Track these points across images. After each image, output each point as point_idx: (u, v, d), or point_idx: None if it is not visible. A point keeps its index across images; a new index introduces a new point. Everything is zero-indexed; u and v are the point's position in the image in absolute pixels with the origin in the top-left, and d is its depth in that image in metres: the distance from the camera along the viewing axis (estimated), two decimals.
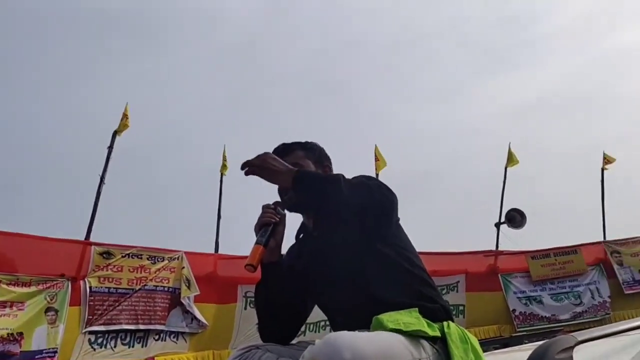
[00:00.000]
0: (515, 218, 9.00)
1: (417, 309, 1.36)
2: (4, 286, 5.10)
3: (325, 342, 1.09)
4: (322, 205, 1.52)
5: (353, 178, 1.57)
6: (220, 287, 6.92)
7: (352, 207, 1.46)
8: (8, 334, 4.98)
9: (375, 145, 8.67)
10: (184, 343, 6.42)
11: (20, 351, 5.01)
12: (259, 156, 1.53)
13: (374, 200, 1.49)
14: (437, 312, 1.42)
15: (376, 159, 8.44)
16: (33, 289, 5.30)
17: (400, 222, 1.64)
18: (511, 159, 9.57)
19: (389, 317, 1.28)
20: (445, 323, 1.37)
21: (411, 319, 1.31)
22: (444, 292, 8.15)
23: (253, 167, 1.52)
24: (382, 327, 1.26)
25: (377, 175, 8.35)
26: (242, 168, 1.53)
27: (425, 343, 1.27)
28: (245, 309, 6.95)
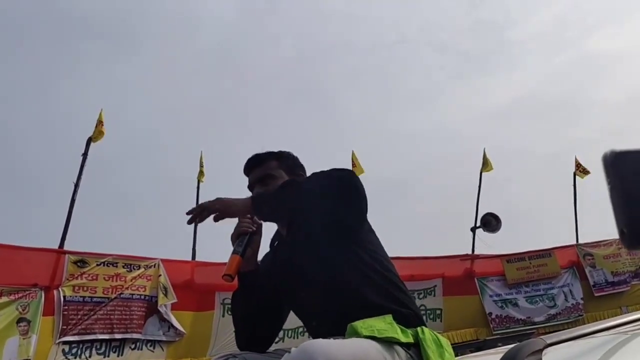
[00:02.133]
0: (491, 222, 9.12)
1: (390, 315, 1.38)
2: None
3: (300, 350, 1.11)
4: (287, 211, 1.56)
5: (312, 174, 1.62)
6: (198, 294, 6.86)
7: (316, 198, 1.49)
8: None
9: (352, 151, 8.72)
10: (161, 351, 6.33)
11: None
12: (215, 202, 1.56)
13: (335, 183, 1.51)
14: (411, 317, 1.44)
15: (353, 165, 8.47)
16: (4, 299, 5.19)
17: (376, 227, 1.66)
18: (486, 164, 9.72)
19: (362, 324, 1.30)
20: (419, 329, 1.40)
21: (385, 325, 1.33)
22: (421, 296, 8.22)
23: (216, 212, 1.55)
24: (356, 334, 1.28)
25: None
26: (196, 216, 1.58)
27: (399, 349, 1.30)
28: (223, 316, 6.89)
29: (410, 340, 1.34)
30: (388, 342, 1.29)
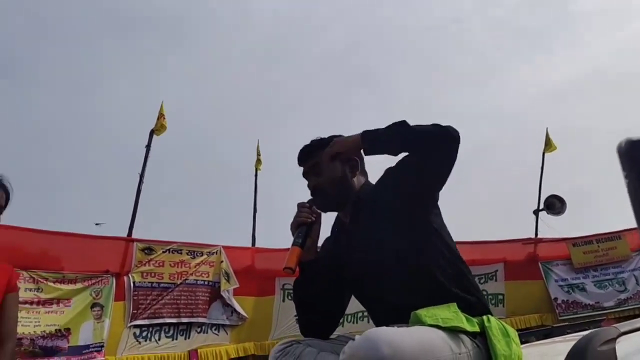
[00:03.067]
0: (555, 204, 8.78)
1: (455, 303, 1.36)
2: (51, 284, 5.29)
3: (364, 337, 1.11)
4: (398, 145, 1.55)
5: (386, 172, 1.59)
6: (258, 280, 7.02)
7: (424, 138, 1.48)
8: (56, 329, 5.17)
9: None
10: (225, 335, 6.55)
11: (69, 346, 5.20)
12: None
13: (443, 131, 1.47)
14: (476, 305, 1.41)
15: None
16: (79, 285, 5.49)
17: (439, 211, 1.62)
18: (549, 144, 9.32)
19: (426, 312, 1.29)
20: (485, 317, 1.36)
21: (449, 313, 1.31)
22: (482, 281, 8.05)
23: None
24: (420, 322, 1.26)
25: None
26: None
27: (464, 338, 1.27)
28: (284, 301, 7.03)
29: (476, 329, 1.31)
30: (453, 331, 1.26)
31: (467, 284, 1.47)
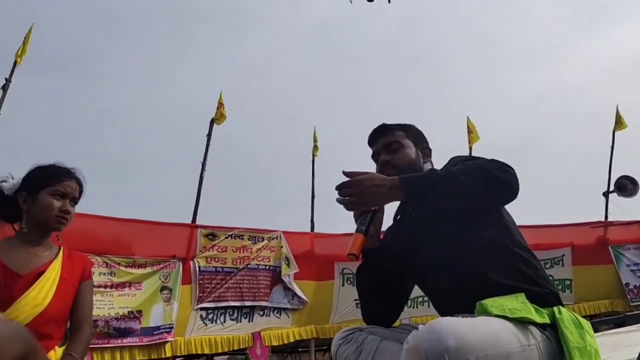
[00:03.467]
0: (626, 186, 8.33)
1: (523, 294, 1.31)
2: (123, 268, 5.58)
3: (428, 328, 1.09)
4: (446, 205, 1.45)
5: (453, 161, 1.55)
6: (318, 264, 7.11)
7: (478, 199, 1.39)
8: (129, 312, 5.46)
9: (467, 117, 8.37)
10: (287, 318, 6.69)
11: (141, 327, 5.48)
12: (353, 185, 1.42)
13: (501, 186, 1.38)
14: (546, 296, 1.36)
15: (469, 131, 8.14)
16: (148, 270, 5.76)
17: None
18: (619, 122, 8.82)
19: (493, 303, 1.25)
20: (555, 308, 1.31)
21: (517, 304, 1.26)
22: (547, 266, 7.79)
23: (352, 200, 1.43)
24: (486, 312, 1.23)
25: (470, 148, 8.08)
26: (343, 202, 1.45)
27: (534, 330, 1.23)
28: (343, 285, 7.09)
29: (546, 320, 1.27)
30: (521, 323, 1.22)
31: (535, 274, 1.42)
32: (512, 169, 1.41)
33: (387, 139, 1.69)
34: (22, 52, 6.17)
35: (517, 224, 1.56)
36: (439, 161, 1.70)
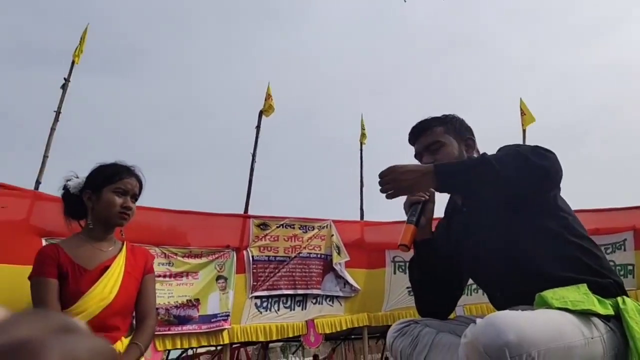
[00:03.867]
0: None
1: (585, 284, 1.28)
2: (180, 258, 5.77)
3: (487, 322, 1.08)
4: (480, 191, 1.44)
5: (500, 151, 1.50)
6: (368, 252, 7.10)
7: (512, 184, 1.37)
8: (187, 300, 5.65)
9: (521, 99, 8.09)
10: (339, 306, 6.74)
11: (199, 315, 5.66)
12: (388, 173, 1.44)
13: (535, 172, 1.35)
14: (609, 286, 1.31)
15: (522, 114, 7.88)
16: (204, 260, 5.92)
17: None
18: None
19: (553, 295, 1.22)
20: (619, 299, 1.27)
21: (579, 295, 1.23)
22: (608, 251, 7.47)
23: (388, 187, 1.44)
24: (546, 305, 1.20)
25: (524, 131, 7.83)
26: (382, 191, 1.46)
27: (597, 322, 1.19)
28: (394, 273, 7.07)
29: (610, 312, 1.22)
30: (584, 315, 1.19)
31: (597, 263, 1.37)
32: (553, 155, 1.37)
33: (427, 140, 1.66)
34: (79, 52, 6.41)
35: (577, 207, 1.51)
36: (492, 145, 1.65)
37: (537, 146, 1.41)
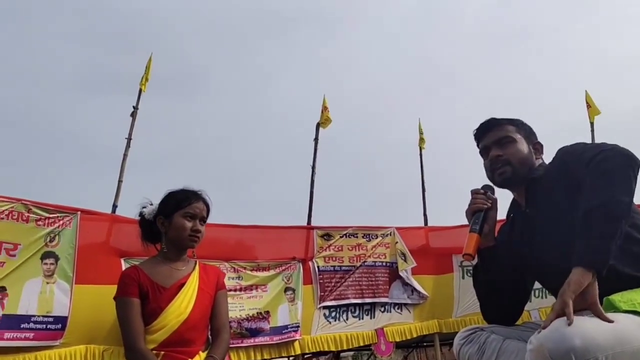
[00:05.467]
0: None
1: None
2: (249, 272, 5.92)
3: (552, 327, 1.09)
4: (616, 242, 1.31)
5: (560, 153, 1.49)
6: (435, 258, 7.01)
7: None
8: (257, 312, 5.78)
9: (586, 91, 7.77)
10: (408, 313, 6.69)
11: (270, 327, 5.78)
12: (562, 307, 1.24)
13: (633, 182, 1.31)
14: None
15: (588, 106, 7.55)
16: (272, 272, 6.05)
17: None
18: None
19: (621, 297, 1.21)
20: None
21: None
22: None
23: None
24: (613, 308, 1.19)
25: (591, 124, 7.50)
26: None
27: None
28: (463, 278, 6.94)
29: None
30: None
31: None
32: (620, 148, 1.34)
33: (498, 134, 1.67)
34: (145, 80, 6.77)
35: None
36: (558, 142, 1.62)
37: (605, 150, 1.36)
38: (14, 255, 4.39)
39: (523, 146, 1.64)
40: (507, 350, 1.38)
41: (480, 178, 1.76)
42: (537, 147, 1.70)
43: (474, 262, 1.63)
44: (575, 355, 1.01)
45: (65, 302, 4.55)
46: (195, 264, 2.00)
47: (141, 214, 2.00)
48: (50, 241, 4.64)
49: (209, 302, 1.94)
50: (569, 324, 1.09)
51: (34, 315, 4.35)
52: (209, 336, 1.95)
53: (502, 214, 1.77)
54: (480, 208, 1.57)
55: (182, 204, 1.92)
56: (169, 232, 1.93)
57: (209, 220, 2.08)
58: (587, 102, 7.60)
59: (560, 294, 1.23)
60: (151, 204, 2.00)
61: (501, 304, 1.58)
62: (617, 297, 1.22)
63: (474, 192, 1.62)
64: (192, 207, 1.92)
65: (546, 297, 6.49)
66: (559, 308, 1.20)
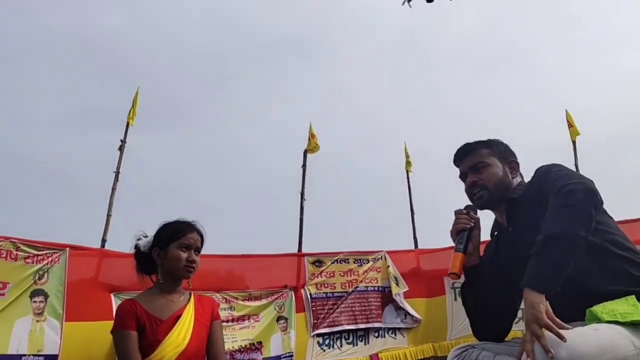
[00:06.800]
0: None
1: (633, 296, 1.30)
2: (240, 302, 5.90)
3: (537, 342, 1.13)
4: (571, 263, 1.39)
5: (536, 175, 1.55)
6: (426, 280, 7.03)
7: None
8: (250, 343, 5.74)
9: (566, 111, 7.96)
10: (402, 338, 6.67)
11: (263, 358, 5.73)
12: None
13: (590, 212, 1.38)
14: None
15: (569, 125, 7.73)
16: (264, 301, 6.03)
17: (604, 187, 1.55)
18: None
19: (603, 309, 1.25)
20: None
21: (628, 307, 1.26)
22: None
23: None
24: (596, 319, 1.24)
25: (573, 142, 7.66)
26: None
27: None
28: (455, 300, 6.95)
29: None
30: (635, 326, 1.21)
31: None
32: (591, 185, 1.42)
33: (472, 160, 1.73)
34: (133, 114, 6.81)
35: (627, 218, 1.53)
36: (540, 160, 1.69)
37: (573, 182, 1.43)
38: (3, 295, 4.35)
39: (497, 168, 1.70)
40: None
41: (467, 198, 1.82)
42: (513, 166, 1.75)
43: (461, 280, 1.68)
44: None
45: (55, 340, 4.50)
46: (191, 295, 2.03)
47: (137, 246, 2.03)
48: (39, 279, 4.61)
49: (205, 333, 1.96)
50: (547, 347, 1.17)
51: (24, 355, 4.29)
52: None
53: (485, 233, 1.84)
54: (463, 228, 1.62)
55: (177, 235, 1.95)
56: (164, 263, 1.95)
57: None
58: (568, 122, 7.78)
59: (527, 323, 1.28)
60: (145, 236, 2.03)
61: (489, 320, 1.62)
62: (599, 309, 1.27)
63: (457, 213, 1.68)
64: (186, 238, 1.95)
65: None
66: (529, 339, 1.24)
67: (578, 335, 1.14)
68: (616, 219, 1.60)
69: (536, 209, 1.51)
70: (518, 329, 1.76)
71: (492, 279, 1.64)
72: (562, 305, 1.46)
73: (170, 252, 1.95)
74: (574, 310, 1.33)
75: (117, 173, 6.28)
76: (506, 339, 1.64)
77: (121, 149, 6.48)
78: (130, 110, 6.77)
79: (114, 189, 6.14)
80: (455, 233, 1.65)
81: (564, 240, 1.34)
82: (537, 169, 1.58)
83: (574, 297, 1.40)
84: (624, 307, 1.26)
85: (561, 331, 1.15)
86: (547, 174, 1.55)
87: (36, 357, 4.36)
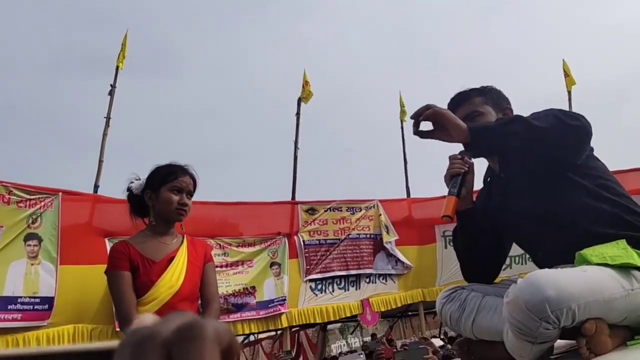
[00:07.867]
0: None
1: (624, 240, 1.31)
2: (234, 248, 5.98)
3: (527, 280, 1.14)
4: (508, 150, 1.51)
5: (534, 114, 1.54)
6: (418, 229, 7.15)
7: (546, 136, 1.41)
8: (244, 288, 5.87)
9: (563, 60, 7.87)
10: (393, 284, 6.84)
11: (256, 302, 5.88)
12: (429, 109, 1.53)
13: (567, 129, 1.40)
14: None
15: (565, 75, 7.66)
16: (257, 248, 6.13)
17: (596, 138, 1.55)
18: None
19: (592, 252, 1.27)
20: None
21: (618, 250, 1.27)
22: None
23: (427, 117, 1.54)
24: (586, 262, 1.25)
25: (569, 92, 7.61)
26: (414, 117, 1.57)
27: (637, 274, 1.23)
28: (446, 247, 7.08)
29: None
30: (623, 269, 1.23)
31: (636, 219, 1.40)
32: (583, 118, 1.42)
33: (466, 109, 1.71)
34: (122, 57, 6.65)
35: (623, 168, 1.54)
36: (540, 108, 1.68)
37: (565, 110, 1.47)
38: None
39: (492, 117, 1.68)
40: (487, 306, 1.45)
41: (460, 146, 1.80)
42: (507, 113, 1.73)
43: (452, 227, 1.69)
44: (549, 305, 1.08)
45: (51, 283, 4.57)
46: (184, 238, 2.03)
47: (129, 189, 2.01)
48: (33, 223, 4.63)
49: (199, 275, 1.98)
50: None
51: (20, 297, 4.36)
52: (200, 307, 2.00)
53: (478, 180, 1.83)
54: (457, 172, 1.61)
55: (169, 177, 1.93)
56: (156, 205, 1.95)
57: (194, 198, 2.10)
58: (564, 71, 7.70)
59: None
60: (138, 179, 2.01)
61: (480, 264, 1.64)
62: (588, 252, 1.28)
63: (452, 157, 1.67)
64: (178, 181, 1.94)
65: (526, 263, 6.67)
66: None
67: (566, 276, 1.15)
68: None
69: (529, 158, 1.50)
70: (505, 275, 1.79)
71: (483, 224, 1.65)
72: (551, 246, 1.48)
73: (161, 195, 1.93)
74: (563, 251, 1.35)
75: (108, 118, 6.21)
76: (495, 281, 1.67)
77: (111, 93, 6.37)
78: (119, 53, 6.62)
79: (105, 134, 6.09)
80: (449, 177, 1.65)
81: (527, 126, 1.41)
82: (531, 114, 1.57)
83: (563, 238, 1.41)
84: (614, 250, 1.27)
85: (550, 270, 1.17)
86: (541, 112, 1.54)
87: (32, 299, 4.43)
